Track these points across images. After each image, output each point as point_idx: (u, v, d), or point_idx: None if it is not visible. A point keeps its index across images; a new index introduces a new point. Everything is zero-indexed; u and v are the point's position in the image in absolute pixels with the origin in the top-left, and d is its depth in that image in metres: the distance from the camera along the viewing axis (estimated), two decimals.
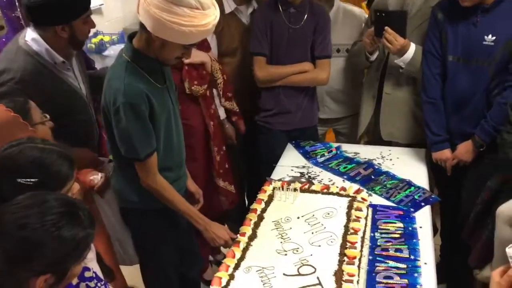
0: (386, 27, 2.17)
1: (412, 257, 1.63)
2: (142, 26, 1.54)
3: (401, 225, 1.80)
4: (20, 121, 1.49)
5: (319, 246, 1.67)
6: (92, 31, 3.56)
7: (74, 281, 1.25)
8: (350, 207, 1.86)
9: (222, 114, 2.41)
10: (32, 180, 1.20)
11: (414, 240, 1.71)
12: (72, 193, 1.33)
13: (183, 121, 1.93)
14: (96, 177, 1.82)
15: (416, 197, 2.00)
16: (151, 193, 1.74)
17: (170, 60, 1.64)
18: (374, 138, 2.57)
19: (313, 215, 1.84)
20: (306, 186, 2.01)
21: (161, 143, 1.72)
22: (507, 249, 1.07)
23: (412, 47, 2.21)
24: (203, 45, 2.24)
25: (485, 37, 1.96)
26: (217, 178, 2.32)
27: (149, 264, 1.97)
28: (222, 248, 2.34)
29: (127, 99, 1.54)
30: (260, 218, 1.84)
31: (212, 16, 1.49)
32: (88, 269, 1.31)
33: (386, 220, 1.83)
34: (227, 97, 2.35)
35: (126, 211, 1.88)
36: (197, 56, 2.12)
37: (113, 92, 1.57)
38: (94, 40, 3.45)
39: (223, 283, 1.51)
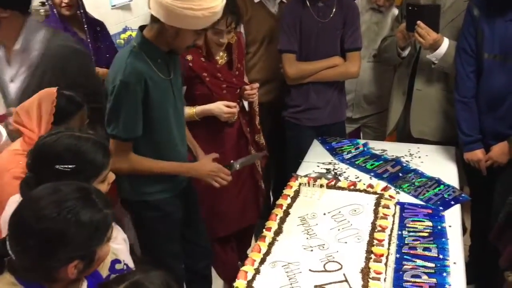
0: (419, 22, 2.13)
1: (440, 256, 1.60)
2: (153, 18, 1.60)
3: (429, 223, 1.77)
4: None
5: (346, 243, 1.66)
6: (121, 26, 3.63)
7: (105, 273, 1.27)
8: (377, 204, 1.84)
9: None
10: (69, 166, 1.24)
11: (443, 239, 1.68)
12: (109, 183, 1.37)
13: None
14: None
15: (445, 195, 1.95)
16: (140, 184, 1.77)
17: (183, 49, 1.70)
18: (403, 135, 2.53)
19: (340, 212, 1.82)
20: (333, 183, 1.99)
21: (158, 134, 1.74)
22: None
23: (445, 42, 2.16)
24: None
25: None
26: (261, 181, 2.34)
27: (149, 254, 1.98)
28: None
29: (125, 77, 1.59)
30: (286, 213, 1.83)
31: None
32: (118, 261, 1.33)
33: (414, 219, 1.80)
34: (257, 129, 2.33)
35: (124, 202, 1.92)
36: None
37: (115, 71, 1.63)
38: (123, 35, 3.51)
39: (249, 277, 1.51)
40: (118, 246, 1.37)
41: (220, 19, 1.87)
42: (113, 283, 1.11)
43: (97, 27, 2.52)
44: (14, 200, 1.38)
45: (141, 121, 1.68)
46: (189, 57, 2.00)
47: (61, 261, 1.04)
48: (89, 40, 2.41)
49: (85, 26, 2.42)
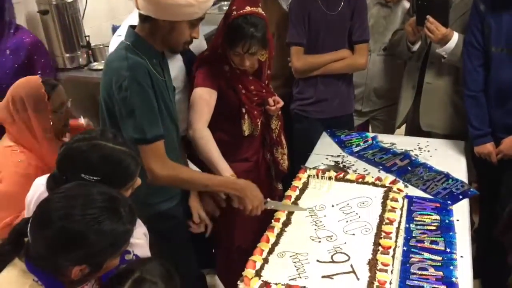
0: (428, 16, 2.13)
1: (448, 250, 1.60)
2: (144, 18, 1.52)
3: (437, 217, 1.78)
4: (44, 100, 1.64)
5: (353, 234, 1.67)
6: None
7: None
8: (385, 197, 1.84)
9: None
10: (94, 178, 1.21)
11: (451, 233, 1.69)
12: (133, 188, 1.33)
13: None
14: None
15: (453, 190, 1.96)
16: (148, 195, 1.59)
17: (181, 44, 1.60)
18: (412, 128, 2.53)
19: (348, 204, 1.83)
20: (341, 175, 2.00)
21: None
22: None
23: (455, 36, 2.16)
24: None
25: None
26: (277, 183, 2.26)
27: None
28: None
29: (131, 72, 1.48)
30: (295, 204, 1.85)
31: None
32: (128, 252, 1.32)
33: (422, 212, 1.81)
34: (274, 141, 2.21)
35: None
36: None
37: (115, 71, 1.51)
38: None
39: (257, 266, 1.53)
40: (138, 241, 1.36)
41: (238, 42, 1.79)
42: (115, 284, 1.11)
43: None
44: (39, 183, 1.40)
45: (159, 117, 1.55)
46: (226, 68, 1.92)
47: (70, 261, 1.05)
48: None
49: None
